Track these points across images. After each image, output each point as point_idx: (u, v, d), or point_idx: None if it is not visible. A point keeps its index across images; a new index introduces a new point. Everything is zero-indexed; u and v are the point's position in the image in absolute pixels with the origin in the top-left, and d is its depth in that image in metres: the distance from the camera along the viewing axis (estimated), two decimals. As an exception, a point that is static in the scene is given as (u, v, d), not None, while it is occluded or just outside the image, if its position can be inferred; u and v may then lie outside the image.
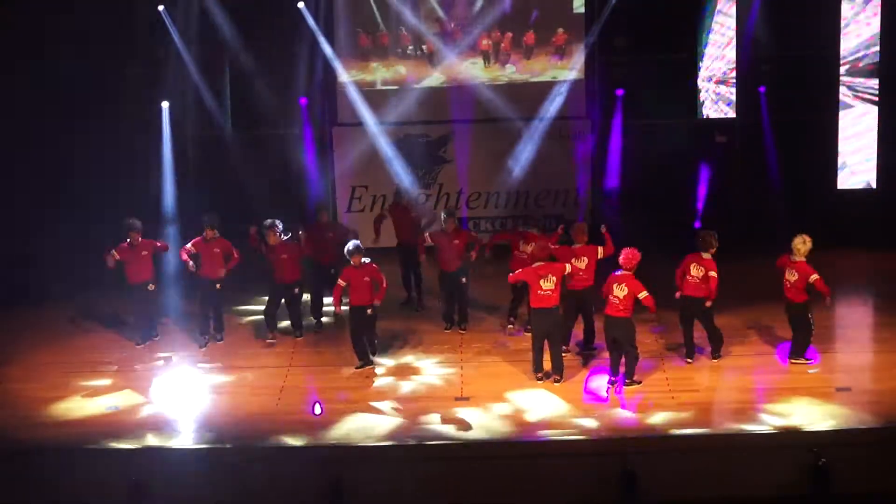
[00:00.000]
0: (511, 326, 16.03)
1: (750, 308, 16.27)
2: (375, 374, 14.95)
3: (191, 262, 15.49)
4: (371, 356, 15.12)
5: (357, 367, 14.97)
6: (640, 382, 14.24)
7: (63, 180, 18.74)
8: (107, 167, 18.57)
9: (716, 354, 14.93)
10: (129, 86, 18.93)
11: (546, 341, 14.41)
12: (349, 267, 14.78)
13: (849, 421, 13.29)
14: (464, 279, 15.94)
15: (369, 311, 14.74)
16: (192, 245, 15.64)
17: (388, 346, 15.67)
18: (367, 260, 14.78)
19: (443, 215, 16.01)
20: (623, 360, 14.18)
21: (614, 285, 14.04)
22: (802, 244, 14.48)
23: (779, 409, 13.64)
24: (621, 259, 14.15)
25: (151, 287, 15.64)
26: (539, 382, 14.46)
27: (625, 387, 14.15)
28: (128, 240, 15.47)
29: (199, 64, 19.14)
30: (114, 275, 15.70)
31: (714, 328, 14.87)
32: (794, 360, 14.75)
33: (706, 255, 14.56)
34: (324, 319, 16.52)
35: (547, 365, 14.51)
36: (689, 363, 14.86)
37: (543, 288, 14.14)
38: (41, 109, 18.51)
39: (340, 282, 14.82)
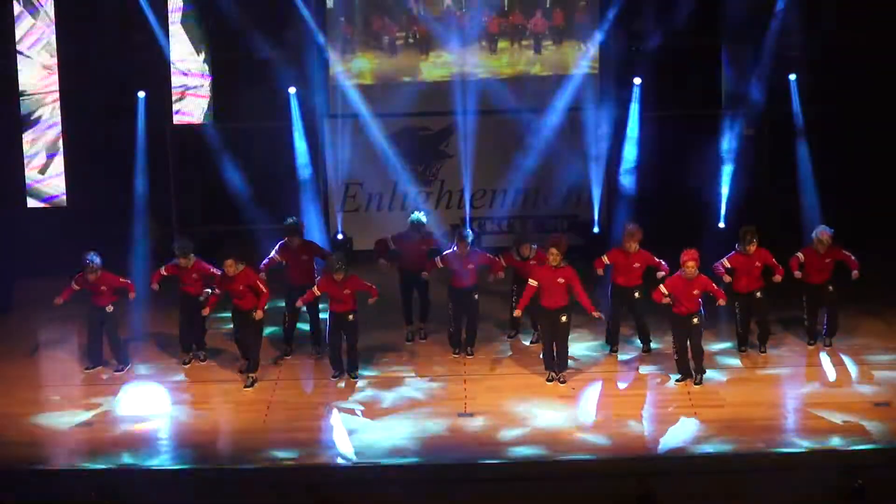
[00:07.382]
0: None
1: (780, 316, 16.17)
2: (370, 387, 14.93)
3: (156, 286, 15.62)
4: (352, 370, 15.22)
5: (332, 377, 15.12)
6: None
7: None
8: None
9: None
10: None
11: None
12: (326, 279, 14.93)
13: (888, 439, 13.27)
14: (476, 296, 15.71)
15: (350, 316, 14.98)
16: (166, 270, 15.60)
17: (383, 358, 15.68)
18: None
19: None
20: None
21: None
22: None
23: (811, 427, 13.62)
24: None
25: (110, 309, 15.45)
26: (546, 395, 14.60)
27: None
28: (84, 274, 15.24)
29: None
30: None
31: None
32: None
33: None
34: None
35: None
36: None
37: None
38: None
39: (316, 290, 15.03)
